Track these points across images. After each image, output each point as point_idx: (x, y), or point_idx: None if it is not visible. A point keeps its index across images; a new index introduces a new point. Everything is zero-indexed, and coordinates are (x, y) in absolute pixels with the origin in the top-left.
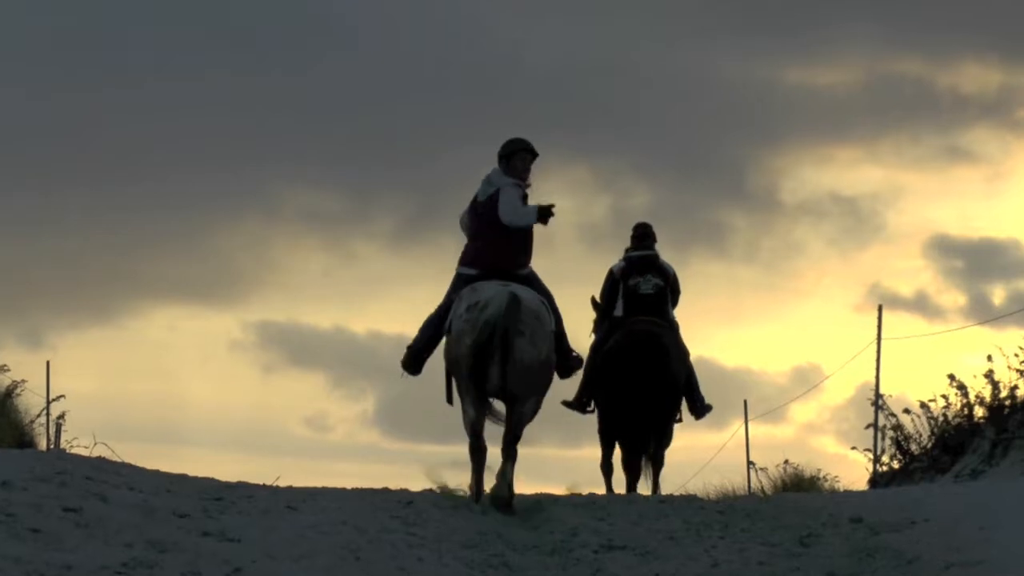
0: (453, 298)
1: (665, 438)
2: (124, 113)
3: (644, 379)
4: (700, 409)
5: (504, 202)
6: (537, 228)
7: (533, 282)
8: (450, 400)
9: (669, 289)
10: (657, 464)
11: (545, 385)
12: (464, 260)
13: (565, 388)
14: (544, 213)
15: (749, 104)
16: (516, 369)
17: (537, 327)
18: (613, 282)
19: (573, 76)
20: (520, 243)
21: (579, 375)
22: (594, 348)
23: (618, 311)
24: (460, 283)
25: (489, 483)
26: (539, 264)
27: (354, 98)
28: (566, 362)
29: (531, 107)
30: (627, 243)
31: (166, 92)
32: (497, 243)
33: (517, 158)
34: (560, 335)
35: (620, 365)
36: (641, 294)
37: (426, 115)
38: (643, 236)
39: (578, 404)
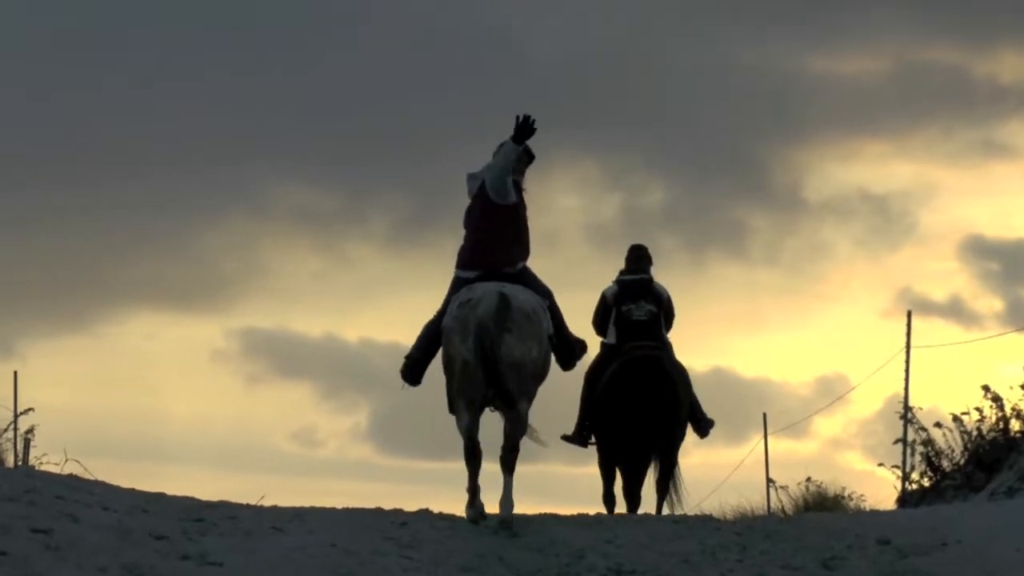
0: (451, 302)
1: (671, 465)
2: (123, 113)
3: (649, 407)
4: (704, 427)
5: (488, 180)
6: (534, 225)
7: (528, 279)
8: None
9: (663, 314)
10: (663, 492)
11: (535, 387)
12: (460, 262)
13: (565, 423)
14: (520, 131)
15: (770, 95)
16: (504, 367)
17: (526, 325)
18: (605, 307)
19: (580, 69)
20: (513, 236)
21: (578, 374)
22: (589, 378)
23: (611, 338)
24: (459, 286)
25: (485, 494)
26: (543, 265)
27: (353, 98)
28: (570, 350)
29: (534, 102)
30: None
31: (166, 92)
32: (490, 239)
33: None
34: (559, 327)
35: (623, 394)
36: (634, 320)
37: (426, 114)
38: (638, 259)
39: (578, 437)
